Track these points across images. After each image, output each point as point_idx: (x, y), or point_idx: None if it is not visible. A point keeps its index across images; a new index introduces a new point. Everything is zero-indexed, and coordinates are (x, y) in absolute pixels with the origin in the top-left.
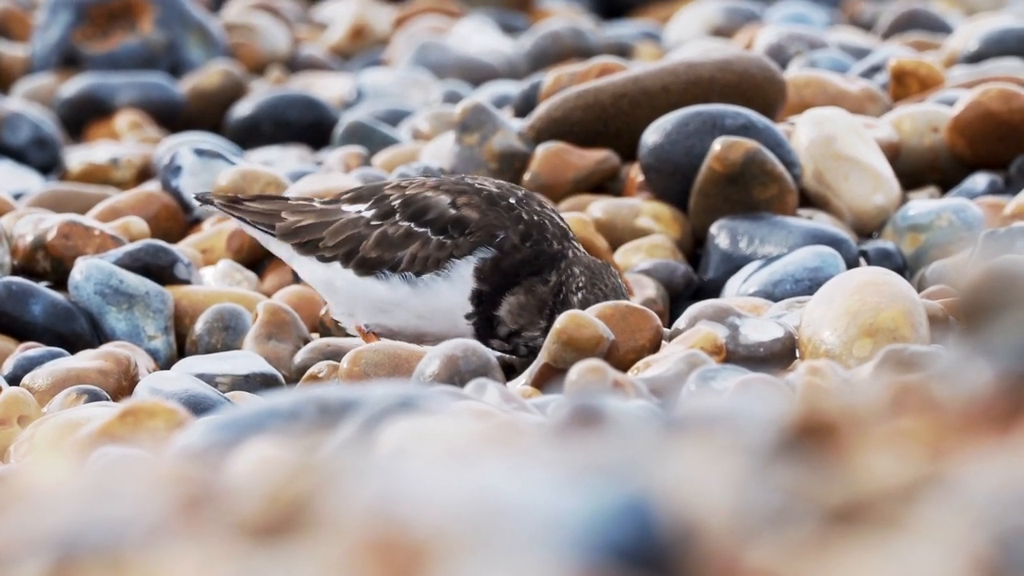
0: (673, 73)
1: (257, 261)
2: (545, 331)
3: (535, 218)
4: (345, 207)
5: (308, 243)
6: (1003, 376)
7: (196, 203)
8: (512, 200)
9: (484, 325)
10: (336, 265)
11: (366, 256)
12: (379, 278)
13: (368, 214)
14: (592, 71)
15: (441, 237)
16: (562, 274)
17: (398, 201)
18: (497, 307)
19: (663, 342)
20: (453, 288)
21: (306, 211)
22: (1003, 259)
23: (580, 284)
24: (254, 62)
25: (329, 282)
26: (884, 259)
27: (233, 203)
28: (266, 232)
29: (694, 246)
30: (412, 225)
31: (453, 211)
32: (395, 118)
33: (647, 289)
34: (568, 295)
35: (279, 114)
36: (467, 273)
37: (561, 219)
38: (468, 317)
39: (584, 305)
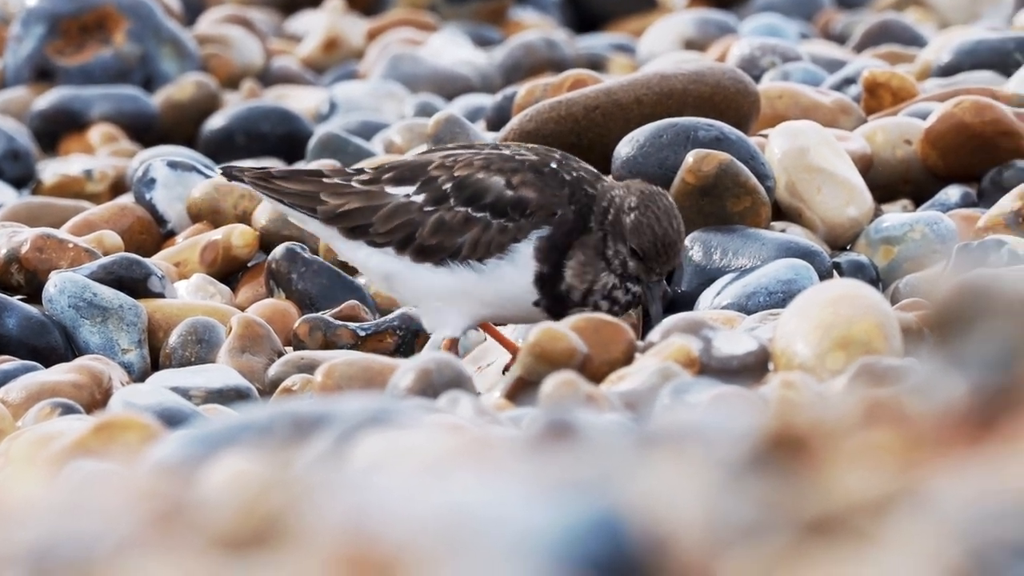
0: (646, 85)
1: (231, 274)
2: (618, 274)
3: (575, 175)
4: (389, 189)
5: (357, 228)
6: (976, 389)
7: (223, 177)
8: (554, 165)
9: (555, 303)
10: (390, 251)
11: (424, 244)
12: (439, 265)
13: (419, 199)
14: (565, 83)
15: (502, 220)
16: (601, 215)
17: (449, 185)
18: (561, 281)
19: (636, 355)
20: (517, 271)
21: (348, 193)
22: (976, 272)
23: (630, 205)
24: (228, 75)
25: (384, 270)
26: (857, 271)
27: (265, 179)
28: (307, 214)
29: None
30: (470, 210)
31: (511, 192)
32: (368, 130)
33: None
34: (617, 221)
35: (253, 126)
36: (528, 254)
37: (591, 169)
38: (536, 304)
39: (636, 227)
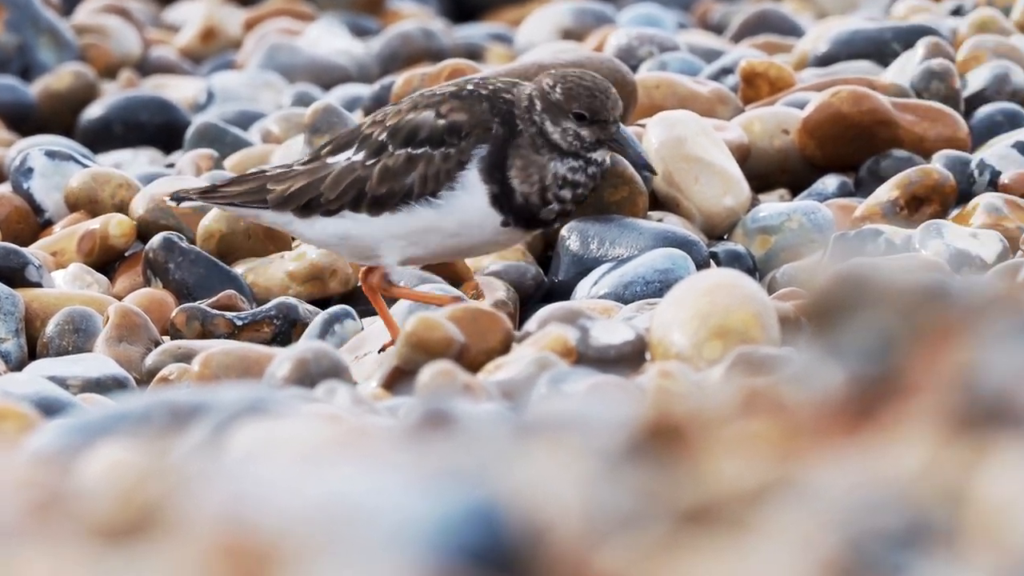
0: (524, 75)
1: (108, 264)
2: (577, 154)
3: (491, 89)
4: (330, 160)
5: (308, 203)
6: (853, 379)
7: (173, 203)
8: (471, 87)
9: (521, 218)
10: (347, 213)
11: (375, 195)
12: (396, 211)
13: (359, 157)
14: (443, 73)
15: (442, 149)
16: (526, 113)
17: (384, 134)
18: (513, 193)
19: (513, 344)
20: (471, 197)
21: (291, 176)
22: (853, 261)
23: (549, 85)
24: (106, 65)
25: (344, 233)
26: (734, 261)
27: (210, 193)
28: (258, 208)
29: (545, 248)
30: (409, 150)
31: (442, 121)
32: (246, 120)
33: (497, 291)
34: (548, 106)
35: (131, 116)
36: (475, 179)
37: (505, 79)
38: (506, 224)
39: (568, 94)
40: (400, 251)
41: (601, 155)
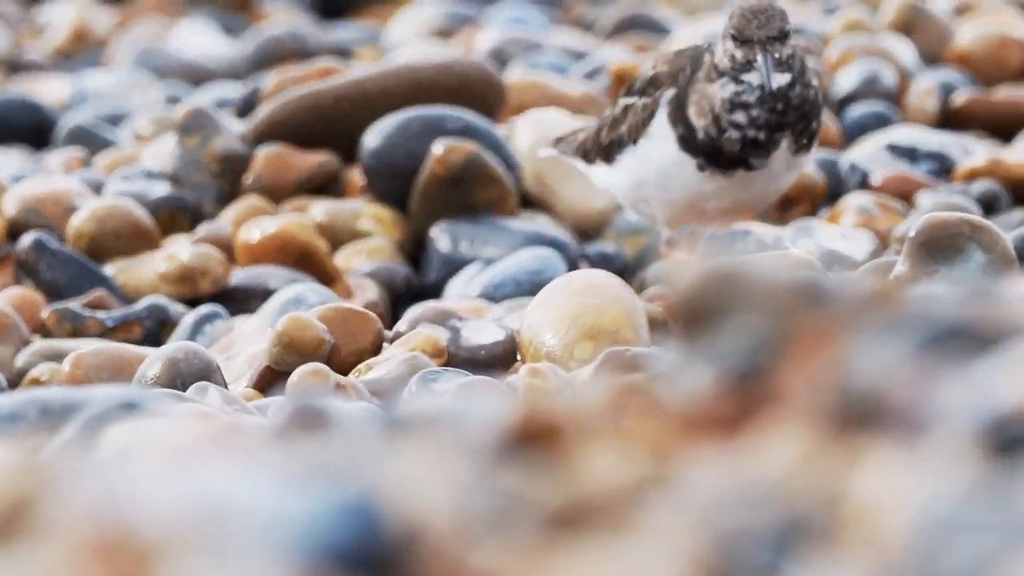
0: (394, 76)
1: None
2: (732, 77)
3: (703, 44)
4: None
5: (585, 152)
6: (724, 378)
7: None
8: (697, 43)
9: (711, 156)
10: (598, 163)
11: (602, 143)
12: (615, 162)
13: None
14: (313, 74)
15: (644, 99)
16: (708, 51)
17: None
18: (694, 131)
19: (384, 345)
20: (662, 143)
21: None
22: (724, 261)
23: (726, 24)
24: None
25: (603, 181)
26: (605, 262)
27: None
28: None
29: (416, 248)
30: (625, 99)
31: (651, 71)
32: (116, 120)
33: (368, 292)
34: (720, 40)
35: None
36: (663, 122)
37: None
38: (702, 168)
39: (729, 19)
40: (634, 204)
41: (754, 77)
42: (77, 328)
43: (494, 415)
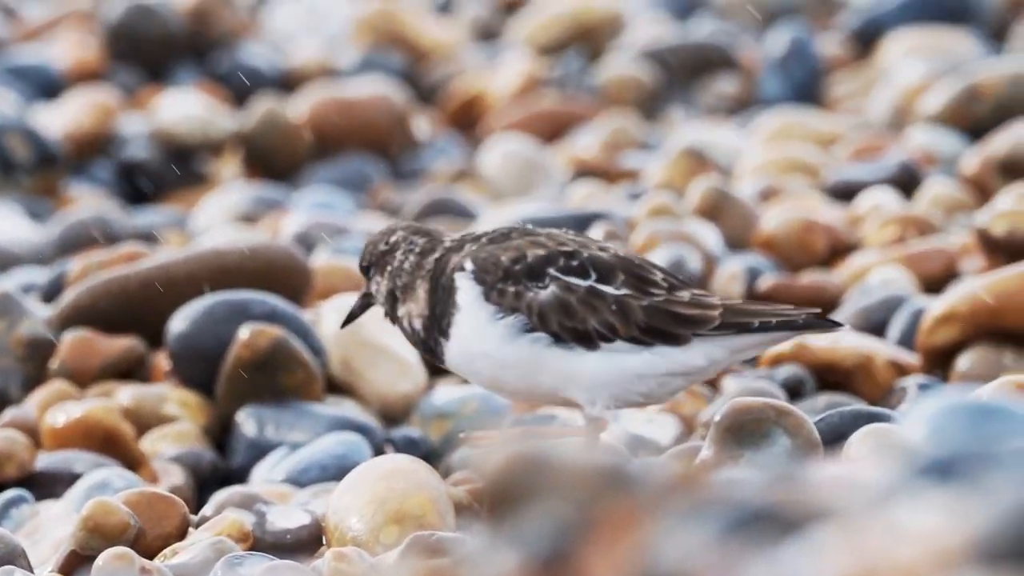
0: (200, 260)
1: None
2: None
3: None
4: None
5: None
6: (528, 563)
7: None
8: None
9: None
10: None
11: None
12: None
13: None
14: (119, 258)
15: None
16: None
17: None
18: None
19: (190, 529)
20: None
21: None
22: (528, 446)
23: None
24: None
25: None
26: (411, 446)
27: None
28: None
29: (222, 432)
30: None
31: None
32: None
33: (174, 476)
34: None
35: None
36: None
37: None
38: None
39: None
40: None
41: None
42: None
43: None
